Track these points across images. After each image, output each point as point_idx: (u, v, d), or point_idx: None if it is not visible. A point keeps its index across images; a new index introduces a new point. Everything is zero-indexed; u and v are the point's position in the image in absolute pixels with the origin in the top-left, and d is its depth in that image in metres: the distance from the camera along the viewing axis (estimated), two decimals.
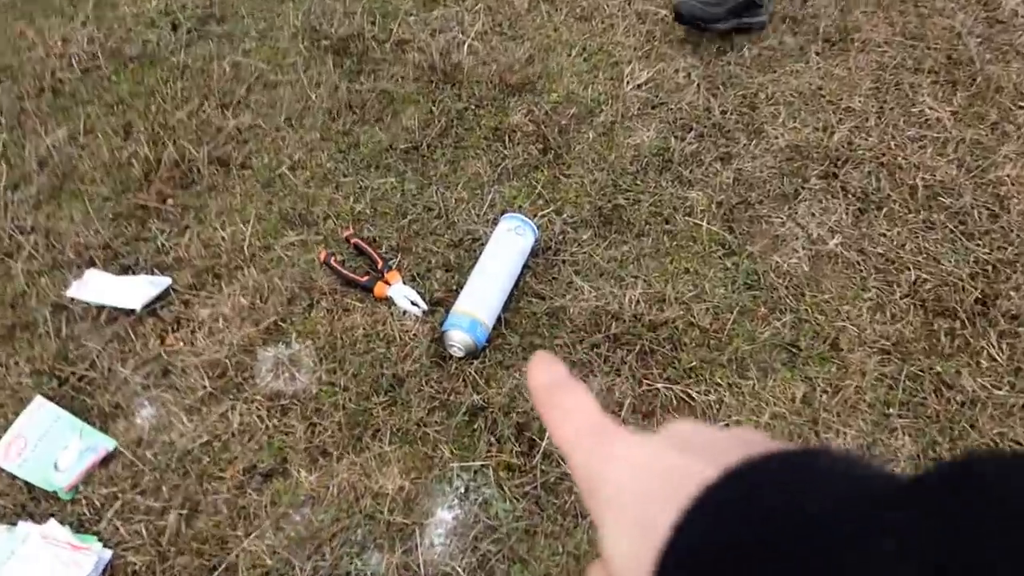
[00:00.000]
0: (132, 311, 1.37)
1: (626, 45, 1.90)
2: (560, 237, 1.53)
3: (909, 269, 1.48)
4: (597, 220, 1.56)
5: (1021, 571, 0.16)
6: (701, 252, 1.51)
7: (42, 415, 1.26)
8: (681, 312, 1.42)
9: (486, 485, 1.22)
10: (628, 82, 1.82)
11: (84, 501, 1.20)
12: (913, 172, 1.65)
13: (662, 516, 0.22)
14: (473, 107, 1.76)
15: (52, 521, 1.16)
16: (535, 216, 1.56)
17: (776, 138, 1.71)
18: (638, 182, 1.62)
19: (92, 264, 1.46)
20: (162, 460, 1.24)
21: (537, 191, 1.61)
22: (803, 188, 1.62)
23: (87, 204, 1.55)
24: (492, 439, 1.27)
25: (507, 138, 1.70)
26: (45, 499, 1.21)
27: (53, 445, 1.23)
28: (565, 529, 1.18)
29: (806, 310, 1.43)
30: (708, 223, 1.55)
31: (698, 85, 1.82)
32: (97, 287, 1.38)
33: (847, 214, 1.58)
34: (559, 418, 0.28)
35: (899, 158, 1.68)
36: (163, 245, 1.50)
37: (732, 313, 1.42)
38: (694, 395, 1.32)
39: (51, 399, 1.29)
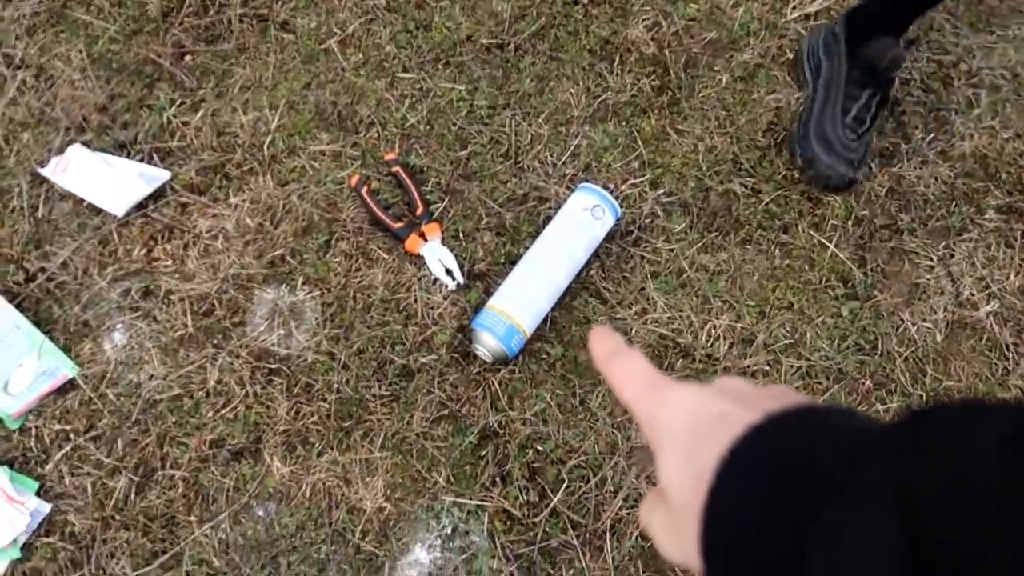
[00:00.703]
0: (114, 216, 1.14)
1: None
2: (647, 221, 1.22)
3: None
4: (699, 207, 1.23)
5: (956, 491, 0.21)
6: (815, 284, 1.19)
7: (0, 319, 1.09)
8: (767, 363, 1.14)
9: (477, 531, 1.04)
10: (794, 7, 1.38)
11: (33, 432, 1.06)
12: None
13: (712, 450, 0.28)
14: (585, 3, 1.35)
15: None
16: (624, 182, 1.23)
17: (962, 139, 1.30)
18: (765, 164, 1.26)
19: (83, 129, 1.21)
20: (124, 405, 1.08)
21: (636, 148, 1.26)
22: (973, 223, 1.25)
23: (90, 42, 1.26)
24: (498, 476, 1.07)
25: (618, 58, 1.32)
26: None
27: (7, 360, 1.07)
28: None
29: (922, 396, 1.14)
30: (837, 245, 1.21)
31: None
32: (79, 173, 1.14)
33: (1018, 273, 1.22)
34: (622, 378, 0.34)
35: None
36: (169, 121, 1.22)
37: (828, 379, 1.14)
38: None
39: (14, 297, 1.11)
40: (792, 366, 1.14)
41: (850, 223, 1.23)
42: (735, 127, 1.28)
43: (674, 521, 0.30)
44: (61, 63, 1.25)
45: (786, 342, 1.16)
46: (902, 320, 1.18)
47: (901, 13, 1.21)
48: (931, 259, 1.22)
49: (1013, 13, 1.42)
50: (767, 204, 1.23)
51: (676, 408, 0.31)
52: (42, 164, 1.17)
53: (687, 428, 0.30)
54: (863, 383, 1.15)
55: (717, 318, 1.16)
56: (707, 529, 0.27)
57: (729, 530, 0.27)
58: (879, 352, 1.16)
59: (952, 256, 1.23)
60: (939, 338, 1.18)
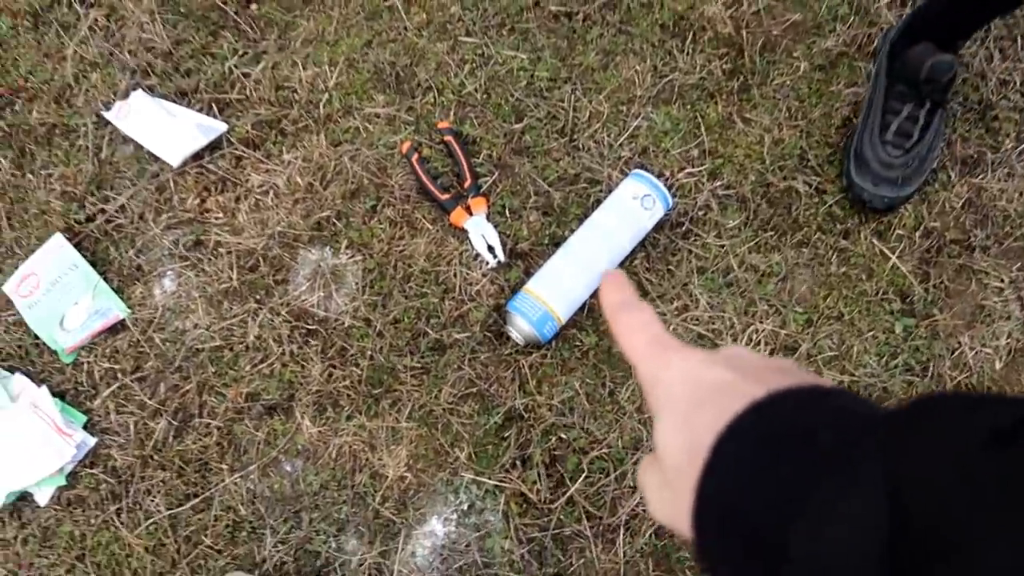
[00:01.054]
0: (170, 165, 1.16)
1: None
2: (699, 214, 1.17)
3: None
4: (757, 203, 1.18)
5: (942, 479, 0.22)
6: (870, 296, 1.14)
7: (60, 257, 1.13)
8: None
9: (493, 510, 1.06)
10: None
11: (84, 368, 1.12)
12: None
13: (710, 420, 0.28)
14: None
15: (44, 389, 1.09)
16: (681, 170, 1.19)
17: None
18: (834, 163, 1.19)
19: (148, 73, 1.22)
20: (169, 351, 1.12)
21: (698, 134, 1.21)
22: None
23: None
24: (519, 459, 1.08)
25: (691, 36, 1.26)
26: (48, 352, 1.13)
27: (64, 296, 1.12)
28: None
29: None
30: (900, 257, 1.15)
31: (986, 30, 1.26)
32: (140, 120, 1.16)
33: None
34: (628, 331, 0.34)
35: None
36: (230, 71, 1.23)
37: (871, 397, 1.10)
38: None
39: (74, 236, 1.16)
40: (834, 380, 1.10)
41: (918, 234, 1.16)
42: (807, 120, 1.21)
43: (667, 484, 0.30)
44: (131, 4, 1.26)
45: (831, 354, 1.11)
46: (959, 343, 1.12)
47: (949, 26, 1.11)
48: (1002, 281, 1.15)
49: None
50: (830, 206, 1.17)
51: (680, 372, 0.31)
52: (107, 107, 1.19)
53: (688, 393, 0.30)
54: None
55: (761, 322, 1.12)
56: (700, 501, 0.28)
57: (721, 505, 0.27)
58: (930, 374, 1.11)
59: None
60: (998, 366, 1.12)
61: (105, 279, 1.14)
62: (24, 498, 1.08)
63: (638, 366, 0.33)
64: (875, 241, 1.16)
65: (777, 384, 0.28)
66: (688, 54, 1.25)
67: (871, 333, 1.12)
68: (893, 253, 1.15)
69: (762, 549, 0.26)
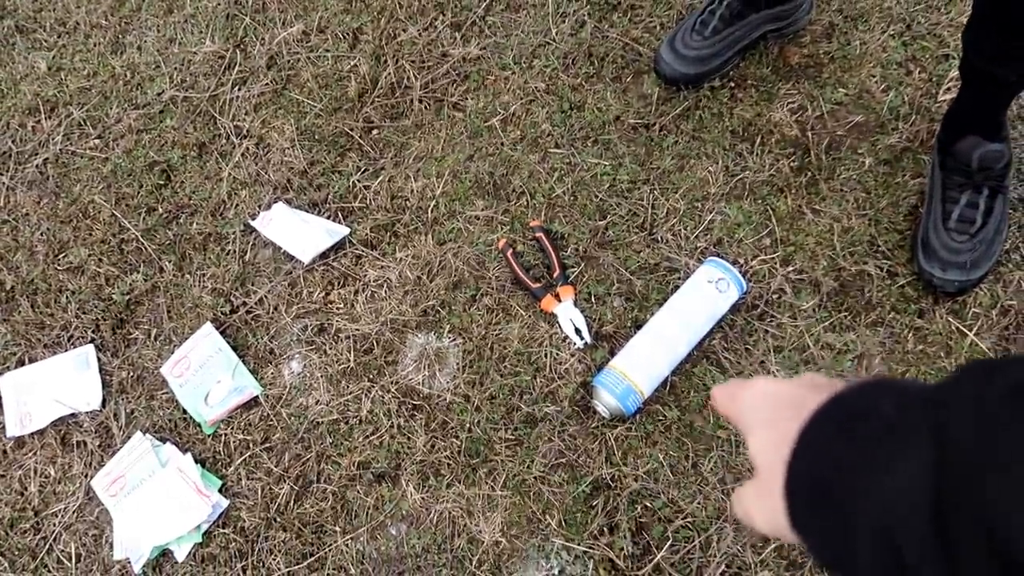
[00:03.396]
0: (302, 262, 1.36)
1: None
2: (774, 297, 1.25)
3: None
4: (830, 287, 1.25)
5: (970, 428, 0.29)
6: (950, 372, 1.17)
7: (207, 343, 1.33)
8: None
9: None
10: (947, 88, 1.37)
11: (222, 439, 1.28)
12: None
13: (792, 422, 0.35)
14: (731, 87, 1.43)
15: (189, 456, 1.25)
16: (754, 258, 1.28)
17: None
18: (904, 247, 1.26)
19: (287, 189, 1.45)
20: (293, 424, 1.27)
21: (770, 225, 1.31)
22: None
23: (300, 118, 1.51)
24: (606, 526, 1.14)
25: (759, 139, 1.38)
26: (193, 425, 1.30)
27: (209, 376, 1.30)
28: None
29: None
30: (978, 334, 1.18)
31: None
32: (279, 226, 1.37)
33: None
34: (722, 395, 0.44)
35: None
36: (354, 185, 1.44)
37: None
38: None
39: (220, 325, 1.35)
40: None
41: (995, 312, 1.20)
42: (875, 209, 1.29)
43: (762, 493, 0.37)
44: (276, 134, 1.51)
45: None
46: None
47: (984, 110, 1.18)
48: None
49: None
50: (903, 287, 1.23)
51: (761, 391, 0.40)
52: (252, 217, 1.42)
53: (770, 403, 0.39)
54: None
55: None
56: (789, 482, 0.35)
57: (809, 480, 0.34)
58: None
59: None
60: None
61: (243, 361, 1.32)
62: (165, 554, 1.22)
63: (728, 408, 0.43)
64: (951, 320, 1.20)
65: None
66: (757, 155, 1.37)
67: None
68: (970, 331, 1.19)
69: (841, 509, 0.32)
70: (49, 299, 1.42)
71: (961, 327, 1.19)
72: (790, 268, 1.27)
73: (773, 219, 1.31)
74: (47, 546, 1.26)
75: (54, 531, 1.26)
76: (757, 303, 1.26)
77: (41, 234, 1.48)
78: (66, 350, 1.38)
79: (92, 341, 1.38)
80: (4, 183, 1.54)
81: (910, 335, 1.20)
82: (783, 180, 1.35)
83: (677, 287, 1.26)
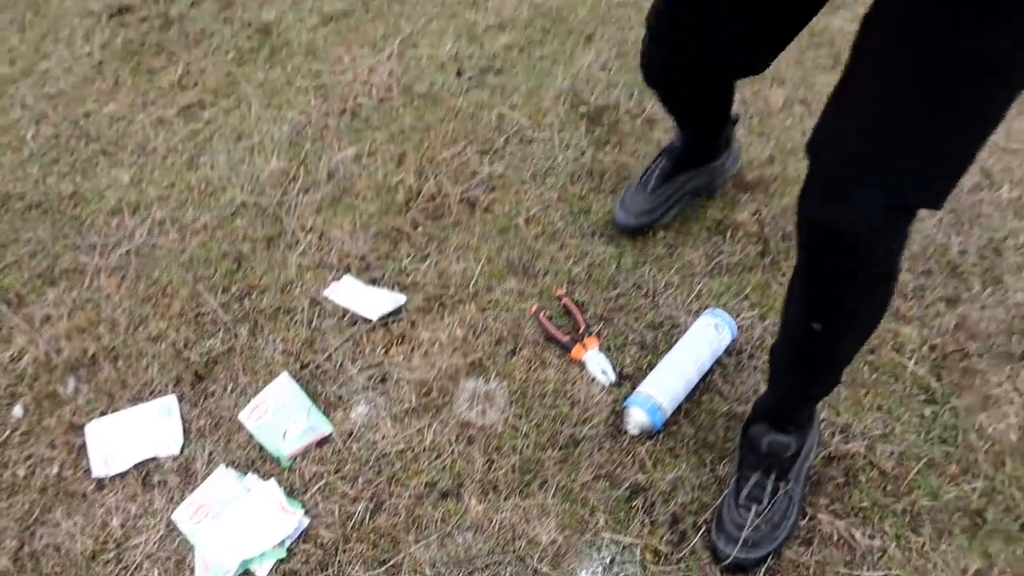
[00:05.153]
0: (369, 320, 1.61)
1: None
2: (758, 343, 1.57)
3: None
4: None
5: None
6: (900, 393, 1.49)
7: (284, 390, 1.52)
8: (864, 449, 1.41)
9: (631, 563, 1.30)
10: None
11: (297, 471, 1.44)
12: None
13: None
14: (704, 195, 1.84)
15: (272, 481, 1.40)
16: (738, 316, 1.61)
17: (1016, 291, 1.63)
18: None
19: (348, 271, 1.72)
20: (363, 455, 1.45)
21: (746, 293, 1.65)
22: None
23: (356, 218, 1.82)
24: (647, 520, 1.35)
25: (728, 233, 1.77)
26: (270, 461, 1.46)
27: (286, 417, 1.49)
28: None
29: (1003, 481, 1.37)
30: (915, 364, 1.52)
31: (940, 219, 1.77)
32: (348, 292, 1.64)
33: None
34: None
35: None
36: (405, 267, 1.73)
37: (919, 463, 1.39)
38: (857, 535, 1.31)
39: (293, 378, 1.55)
40: (886, 451, 1.40)
41: (925, 348, 1.54)
42: None
43: None
44: (336, 230, 1.80)
45: (879, 432, 1.43)
46: (981, 421, 1.44)
47: (778, 403, 1.32)
48: (999, 377, 1.50)
49: None
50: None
51: None
52: (324, 286, 1.67)
53: None
54: (949, 469, 1.39)
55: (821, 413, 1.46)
56: None
57: None
58: (960, 443, 1.41)
59: (1018, 376, 1.50)
60: (1014, 438, 1.42)
61: (315, 405, 1.51)
62: (247, 572, 1.33)
63: None
64: (895, 354, 1.54)
65: None
66: (729, 243, 1.75)
67: (907, 415, 1.45)
68: (911, 363, 1.52)
69: None
70: (131, 362, 1.60)
71: (903, 362, 1.53)
72: (767, 322, 1.60)
73: (748, 288, 1.66)
74: (128, 574, 1.35)
75: (136, 560, 1.36)
76: (744, 347, 1.57)
77: (123, 310, 1.68)
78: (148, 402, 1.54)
79: (173, 393, 1.55)
80: (89, 269, 1.75)
81: (865, 368, 1.53)
82: (751, 261, 1.72)
83: (682, 335, 1.56)
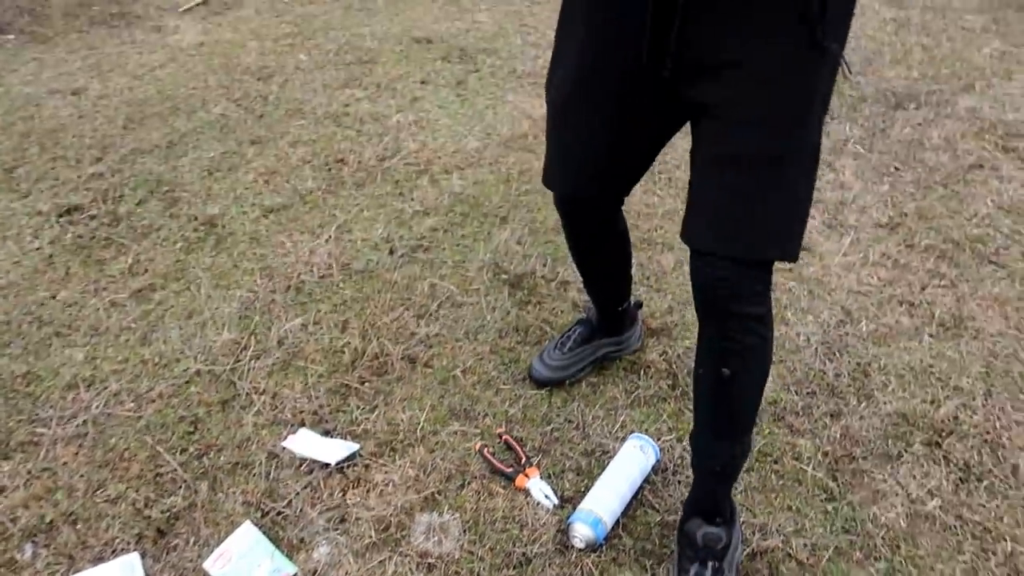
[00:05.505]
0: (327, 465, 1.72)
1: None
2: (679, 461, 1.77)
3: (1005, 540, 1.59)
4: None
5: None
6: (805, 494, 1.70)
7: (247, 537, 1.59)
8: (781, 543, 1.59)
9: None
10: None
11: None
12: (1017, 453, 1.79)
13: None
14: (611, 360, 2.10)
15: None
16: (659, 439, 1.82)
17: (885, 403, 1.92)
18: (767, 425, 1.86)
19: (303, 424, 1.85)
20: None
21: (663, 419, 1.88)
22: (906, 452, 1.80)
23: (307, 378, 1.98)
24: None
25: (642, 372, 2.02)
26: None
27: (251, 563, 1.54)
28: None
29: (900, 562, 1.57)
30: (813, 469, 1.75)
31: (816, 349, 2.09)
32: (305, 443, 1.76)
33: (947, 481, 1.73)
34: None
35: (1004, 437, 1.84)
36: (356, 418, 1.87)
37: (828, 551, 1.58)
38: None
39: (255, 523, 1.62)
40: (800, 543, 1.59)
41: (819, 455, 1.78)
42: None
43: None
44: (288, 390, 1.94)
45: (791, 528, 1.62)
46: (874, 512, 1.65)
47: (707, 497, 1.51)
48: (883, 475, 1.74)
49: (900, 335, 2.16)
50: (759, 447, 1.80)
51: None
52: (280, 440, 1.78)
53: None
54: (855, 555, 1.58)
55: (737, 517, 1.64)
56: None
57: None
58: (861, 532, 1.61)
59: (899, 472, 1.75)
60: (903, 524, 1.64)
61: (278, 548, 1.58)
62: None
63: None
64: (795, 462, 1.77)
65: None
66: (644, 380, 1.99)
67: (813, 512, 1.66)
68: (809, 468, 1.75)
69: None
70: (90, 524, 1.63)
71: (803, 467, 1.76)
72: (684, 443, 1.82)
73: (664, 415, 1.89)
74: None
75: None
76: (668, 466, 1.76)
77: (81, 476, 1.73)
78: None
79: (135, 551, 1.58)
80: (45, 441, 1.80)
81: (772, 475, 1.74)
82: (664, 393, 1.96)
83: (612, 459, 1.75)
